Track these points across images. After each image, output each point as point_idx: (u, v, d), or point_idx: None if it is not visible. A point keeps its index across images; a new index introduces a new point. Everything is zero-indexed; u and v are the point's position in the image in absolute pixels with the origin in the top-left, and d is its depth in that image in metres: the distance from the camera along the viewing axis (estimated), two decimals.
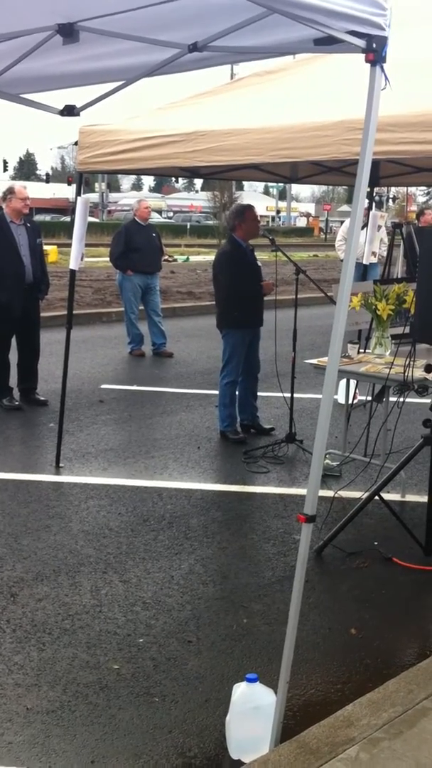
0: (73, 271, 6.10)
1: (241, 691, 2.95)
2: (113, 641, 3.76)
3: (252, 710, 2.91)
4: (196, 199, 72.69)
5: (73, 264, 6.01)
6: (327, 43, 2.78)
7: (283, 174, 7.42)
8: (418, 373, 4.91)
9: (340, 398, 7.10)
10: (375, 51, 2.57)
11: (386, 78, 2.65)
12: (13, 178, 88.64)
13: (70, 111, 4.72)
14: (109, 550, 4.74)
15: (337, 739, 2.80)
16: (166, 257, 18.70)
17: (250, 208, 6.91)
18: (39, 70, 3.98)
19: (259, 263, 6.89)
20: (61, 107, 4.73)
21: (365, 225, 7.88)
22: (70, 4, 3.17)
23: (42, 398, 8.01)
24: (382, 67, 2.62)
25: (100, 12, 3.19)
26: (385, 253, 8.00)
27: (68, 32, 3.34)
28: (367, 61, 2.60)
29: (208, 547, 4.83)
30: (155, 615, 4.01)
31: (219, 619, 3.99)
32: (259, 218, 6.83)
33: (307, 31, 2.73)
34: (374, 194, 8.30)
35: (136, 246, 10.56)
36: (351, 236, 2.68)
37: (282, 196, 74.22)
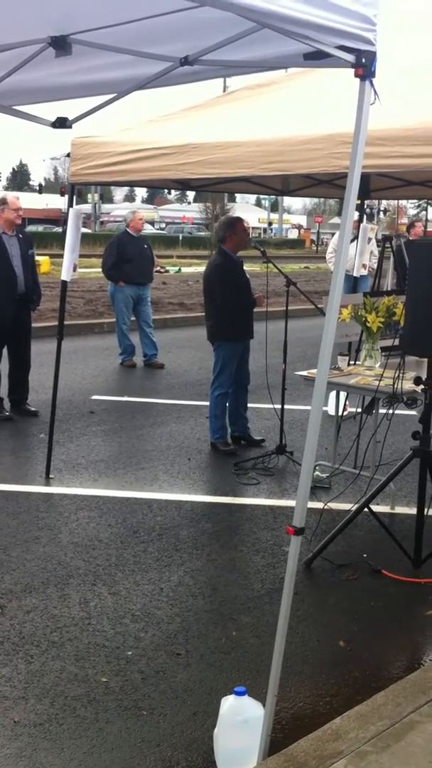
0: (64, 282, 6.10)
1: (229, 704, 2.94)
2: (102, 654, 3.74)
3: (240, 723, 2.90)
4: (188, 210, 72.89)
5: (65, 275, 6.02)
6: (317, 58, 2.80)
7: (274, 187, 7.46)
8: (408, 385, 4.93)
9: (330, 410, 7.12)
10: (364, 66, 2.60)
11: (375, 92, 2.68)
12: (6, 188, 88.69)
13: (62, 123, 4.74)
14: (99, 561, 4.73)
15: (325, 752, 2.79)
16: (158, 268, 18.73)
17: (239, 220, 6.93)
18: (31, 82, 3.99)
19: (247, 275, 6.90)
20: (53, 119, 4.76)
21: (356, 237, 7.92)
22: (62, 17, 3.19)
23: (32, 409, 8.00)
24: (371, 82, 2.64)
25: (93, 25, 3.21)
26: (375, 266, 8.03)
27: (61, 45, 3.36)
28: (356, 75, 2.62)
29: (197, 559, 4.82)
30: (144, 627, 3.99)
31: (208, 632, 3.98)
32: (248, 230, 6.84)
33: (298, 46, 2.74)
34: (365, 207, 8.34)
35: (128, 257, 10.59)
36: (340, 248, 2.69)
37: (274, 208, 74.45)
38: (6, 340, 7.79)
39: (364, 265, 7.61)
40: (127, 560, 4.76)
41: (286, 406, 6.84)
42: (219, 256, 6.88)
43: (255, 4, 2.17)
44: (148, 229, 51.35)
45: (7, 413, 7.87)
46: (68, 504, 5.66)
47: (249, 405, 7.19)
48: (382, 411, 5.32)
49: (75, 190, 6.19)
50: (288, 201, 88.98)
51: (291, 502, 5.62)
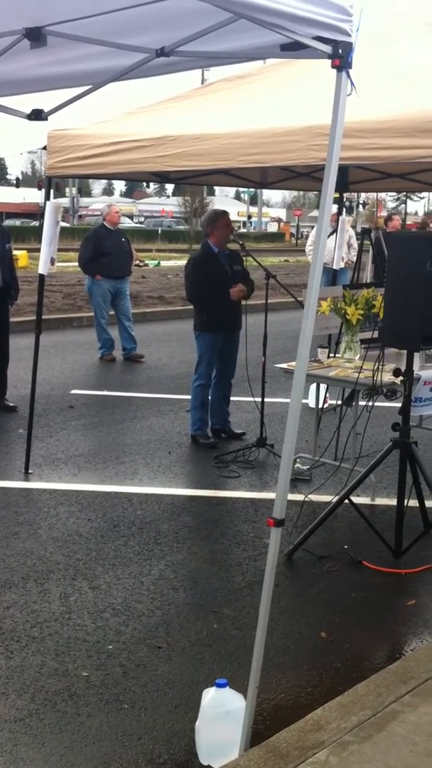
0: (42, 276, 6.07)
1: (210, 696, 2.94)
2: (82, 648, 3.73)
3: (222, 715, 2.90)
4: (167, 204, 72.71)
5: (42, 269, 5.98)
6: (293, 49, 2.79)
7: (252, 179, 7.45)
8: (387, 377, 4.95)
9: (311, 402, 7.13)
10: (341, 57, 2.59)
11: (352, 83, 2.67)
12: None
13: (37, 115, 4.69)
14: (79, 556, 4.71)
15: (306, 743, 2.80)
16: (137, 262, 18.64)
17: (222, 215, 6.92)
18: (6, 74, 3.95)
19: (237, 268, 6.85)
20: (28, 111, 4.71)
21: (335, 230, 7.94)
22: (37, 8, 3.15)
23: (11, 404, 7.95)
24: (348, 73, 2.63)
25: (68, 16, 3.18)
26: (354, 259, 8.05)
27: (36, 36, 3.32)
28: (333, 66, 2.62)
29: (178, 552, 4.82)
30: (125, 621, 3.99)
31: (189, 625, 3.98)
32: (230, 224, 6.82)
33: (274, 37, 2.73)
34: (344, 200, 8.35)
35: (105, 251, 10.53)
36: (318, 241, 2.69)
37: (253, 201, 74.39)
38: None
39: (342, 258, 7.62)
40: (107, 554, 4.74)
41: (266, 399, 6.84)
42: (200, 249, 6.94)
43: None
44: (127, 223, 51.22)
45: None
46: (48, 499, 5.63)
47: (230, 398, 7.19)
48: (362, 403, 5.33)
49: (52, 184, 6.14)
50: (267, 194, 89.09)
51: (271, 495, 5.62)
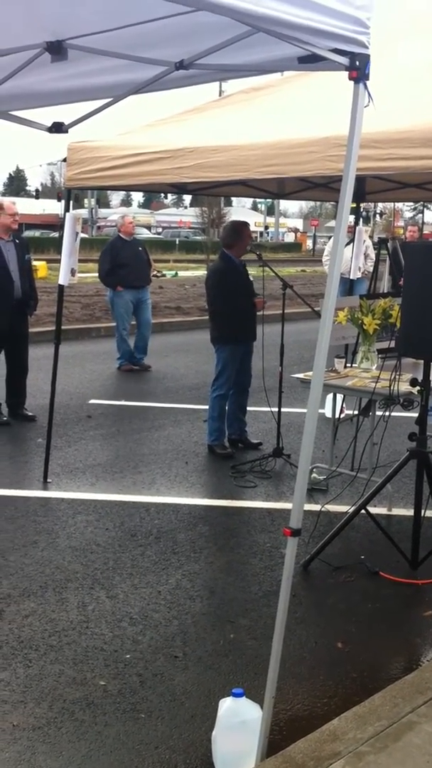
0: (61, 287, 6.11)
1: (227, 706, 2.94)
2: (100, 657, 3.74)
3: (238, 725, 2.90)
4: (184, 214, 72.93)
5: (62, 279, 6.03)
6: (311, 61, 2.81)
7: (270, 190, 7.48)
8: (404, 387, 4.94)
9: (327, 412, 7.12)
10: (358, 68, 2.60)
11: (369, 95, 2.68)
12: (3, 194, 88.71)
13: (58, 128, 4.74)
14: (96, 565, 4.73)
15: (322, 753, 2.79)
16: (155, 272, 18.74)
17: (245, 225, 6.97)
18: (28, 88, 4.00)
19: (251, 278, 6.92)
20: (49, 124, 4.76)
21: (351, 240, 7.95)
22: (58, 22, 3.20)
23: (30, 413, 8.00)
24: (365, 84, 2.65)
25: (89, 30, 3.22)
26: (371, 269, 8.05)
27: (57, 50, 3.37)
28: (350, 78, 2.63)
29: (195, 562, 4.82)
30: (142, 630, 4.00)
31: (206, 635, 3.98)
32: (250, 235, 6.89)
33: (292, 49, 2.75)
34: (361, 210, 8.36)
35: (123, 261, 10.57)
36: (335, 251, 2.71)
37: (270, 211, 74.47)
38: (3, 345, 7.79)
39: (359, 268, 7.62)
40: (124, 564, 4.76)
41: (283, 409, 6.85)
42: (221, 260, 6.93)
43: (249, 8, 2.18)
44: (145, 234, 51.41)
45: (5, 418, 7.87)
46: (66, 508, 5.66)
47: (246, 408, 7.20)
48: (379, 413, 5.33)
49: (71, 195, 6.19)
50: (284, 204, 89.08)
51: (288, 505, 5.61)
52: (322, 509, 5.42)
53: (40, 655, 3.75)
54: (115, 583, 4.51)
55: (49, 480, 6.20)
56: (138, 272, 10.77)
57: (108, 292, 11.11)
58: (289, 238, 71.07)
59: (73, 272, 6.04)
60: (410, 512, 4.91)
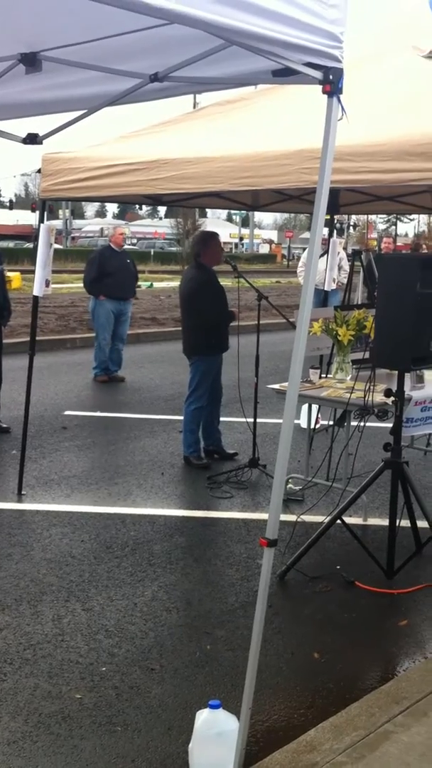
0: (36, 298, 6.09)
1: (203, 717, 2.93)
2: (75, 670, 3.72)
3: (215, 737, 2.89)
4: (159, 226, 72.99)
5: (37, 290, 6.01)
6: (285, 75, 2.83)
7: (244, 202, 7.51)
8: (378, 397, 4.98)
9: (303, 423, 7.15)
10: (332, 82, 2.63)
11: (343, 109, 2.71)
12: None
13: (32, 139, 4.75)
14: (72, 578, 4.70)
15: (299, 764, 2.79)
16: None
17: (213, 236, 6.96)
18: (2, 99, 4.00)
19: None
20: (24, 135, 4.77)
21: (325, 252, 8.00)
22: (32, 34, 3.20)
23: (4, 425, 7.95)
24: (339, 98, 2.68)
25: (63, 42, 3.23)
26: (345, 280, 8.10)
27: (31, 61, 3.37)
28: (324, 92, 2.66)
29: (171, 573, 4.81)
30: (118, 643, 3.98)
31: (182, 646, 3.97)
32: (221, 245, 6.87)
33: (266, 63, 2.77)
34: (335, 222, 8.42)
35: (110, 271, 10.54)
36: (309, 262, 2.73)
37: (245, 223, 74.82)
38: None
39: (334, 280, 7.67)
40: (100, 576, 4.74)
41: (258, 420, 6.86)
42: (196, 270, 6.83)
43: (222, 21, 2.20)
44: None
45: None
46: (41, 520, 5.63)
47: (222, 419, 7.20)
48: (354, 423, 5.35)
49: (46, 206, 6.18)
50: (259, 216, 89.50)
51: (264, 515, 5.63)
52: (298, 519, 5.43)
53: (14, 668, 3.71)
54: (91, 595, 4.49)
55: (23, 492, 6.16)
56: (123, 284, 10.74)
57: (90, 301, 11.05)
58: (264, 249, 71.38)
59: (47, 283, 6.02)
60: (385, 522, 4.93)
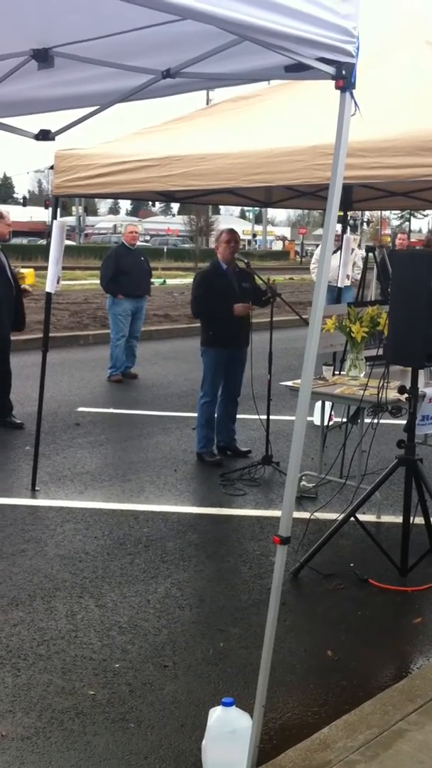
0: (49, 294, 6.10)
1: (217, 715, 2.93)
2: (89, 666, 3.72)
3: (228, 734, 2.89)
4: (172, 222, 73.04)
5: (49, 287, 6.02)
6: (297, 70, 2.82)
7: (257, 198, 7.49)
8: (392, 394, 4.96)
9: (316, 420, 7.13)
10: (344, 77, 2.62)
11: (356, 104, 2.70)
12: None
13: (45, 135, 4.75)
14: (85, 574, 4.71)
15: (313, 762, 2.79)
16: None
17: (222, 232, 7.00)
18: (14, 95, 4.00)
19: (246, 285, 6.84)
20: (36, 131, 4.77)
21: (339, 248, 7.97)
22: (45, 30, 3.20)
23: (18, 421, 7.97)
24: (351, 94, 2.66)
25: (75, 38, 3.22)
26: (359, 277, 8.07)
27: (43, 57, 3.37)
28: (336, 87, 2.65)
29: (184, 570, 4.81)
30: (131, 639, 3.98)
31: (195, 643, 3.97)
32: (231, 241, 6.80)
33: (278, 58, 2.76)
34: (348, 218, 8.38)
35: (125, 269, 10.53)
36: (322, 259, 2.71)
37: (258, 219, 74.64)
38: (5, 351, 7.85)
39: (347, 276, 7.64)
40: (113, 572, 4.74)
41: (271, 417, 6.84)
42: (209, 265, 7.11)
43: (235, 17, 2.19)
44: None
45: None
46: (54, 516, 5.64)
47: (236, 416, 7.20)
48: (367, 420, 5.33)
49: (59, 203, 6.19)
50: (272, 213, 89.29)
51: (277, 513, 5.62)
52: (312, 517, 5.41)
53: (28, 664, 3.72)
54: (104, 591, 4.49)
55: (37, 488, 6.18)
56: (138, 281, 10.74)
57: (107, 300, 11.04)
58: (277, 246, 71.21)
59: (58, 280, 6.03)
60: (399, 519, 4.91)
